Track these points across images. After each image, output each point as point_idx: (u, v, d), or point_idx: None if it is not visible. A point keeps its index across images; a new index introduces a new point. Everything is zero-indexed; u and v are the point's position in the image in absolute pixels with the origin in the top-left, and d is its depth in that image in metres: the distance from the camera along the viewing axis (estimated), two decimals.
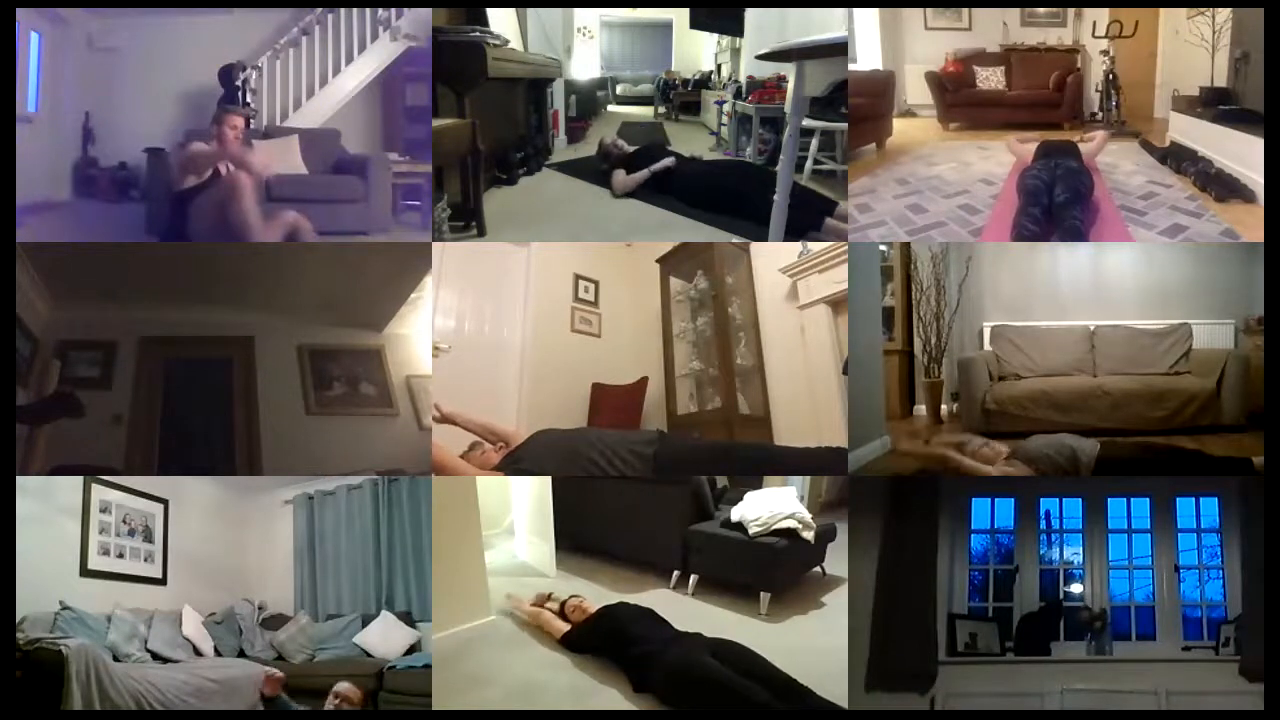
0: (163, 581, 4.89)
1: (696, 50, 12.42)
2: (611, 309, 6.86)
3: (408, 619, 4.96)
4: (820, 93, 3.87)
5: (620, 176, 5.88)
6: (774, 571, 4.25)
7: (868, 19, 7.09)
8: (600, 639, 3.56)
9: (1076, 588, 3.76)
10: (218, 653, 4.64)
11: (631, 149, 6.20)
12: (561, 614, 3.91)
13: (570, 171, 6.70)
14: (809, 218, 4.79)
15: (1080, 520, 3.82)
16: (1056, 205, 4.30)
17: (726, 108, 8.39)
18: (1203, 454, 3.84)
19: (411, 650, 4.73)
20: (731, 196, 5.34)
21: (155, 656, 4.23)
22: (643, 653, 3.28)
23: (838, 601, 4.16)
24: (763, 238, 5.07)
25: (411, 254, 5.24)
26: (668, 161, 5.81)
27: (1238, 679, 3.35)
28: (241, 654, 4.77)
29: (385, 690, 4.28)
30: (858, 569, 3.63)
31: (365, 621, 4.96)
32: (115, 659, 3.86)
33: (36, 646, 3.41)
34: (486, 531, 4.88)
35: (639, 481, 5.49)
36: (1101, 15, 7.03)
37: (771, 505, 4.44)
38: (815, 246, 5.39)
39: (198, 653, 4.51)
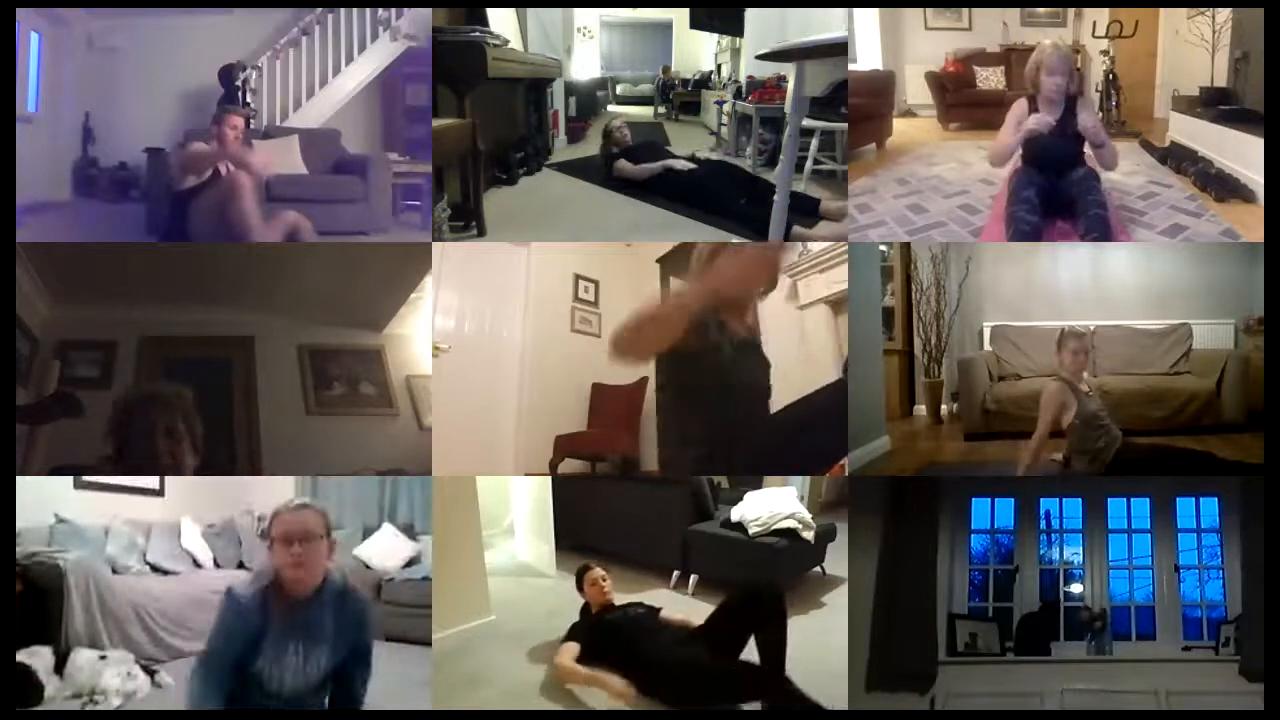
0: (160, 493, 4.85)
1: (696, 50, 12.40)
2: (611, 309, 6.85)
3: (410, 532, 4.91)
4: (820, 93, 3.85)
5: (625, 164, 5.87)
6: (774, 571, 4.25)
7: (868, 19, 7.08)
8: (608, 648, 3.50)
9: (1076, 588, 3.75)
10: (217, 564, 4.62)
11: (632, 141, 6.22)
12: (579, 585, 3.75)
13: (570, 171, 6.69)
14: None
15: (1080, 520, 3.81)
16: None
17: (726, 108, 8.38)
18: (1214, 457, 3.82)
19: (411, 563, 4.68)
20: (709, 197, 5.35)
21: (154, 569, 4.22)
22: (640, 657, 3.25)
23: (838, 601, 4.16)
24: (756, 238, 5.06)
25: (411, 254, 5.23)
26: (684, 164, 5.77)
27: (1238, 679, 3.33)
28: (241, 566, 4.74)
29: (384, 602, 4.25)
30: (858, 569, 3.62)
31: (366, 534, 4.91)
32: (114, 571, 3.85)
33: (35, 561, 3.39)
34: (486, 531, 4.87)
35: (639, 481, 5.51)
36: (1101, 15, 7.01)
37: (771, 505, 4.45)
38: (815, 247, 5.39)
39: (197, 564, 4.49)
